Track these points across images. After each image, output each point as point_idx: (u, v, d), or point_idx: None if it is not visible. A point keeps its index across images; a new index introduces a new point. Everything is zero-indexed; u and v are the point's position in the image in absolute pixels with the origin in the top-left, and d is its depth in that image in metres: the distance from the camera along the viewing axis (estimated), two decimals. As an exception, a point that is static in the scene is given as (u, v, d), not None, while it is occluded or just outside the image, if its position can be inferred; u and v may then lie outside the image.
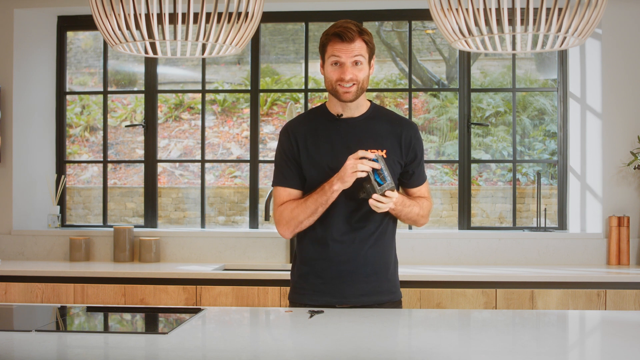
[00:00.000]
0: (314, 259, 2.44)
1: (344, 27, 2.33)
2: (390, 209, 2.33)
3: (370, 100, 2.52)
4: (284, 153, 2.47)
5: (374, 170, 2.26)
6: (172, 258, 4.13)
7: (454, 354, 1.79)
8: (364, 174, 2.27)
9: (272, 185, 2.53)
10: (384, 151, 2.39)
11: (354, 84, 2.35)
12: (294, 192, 2.46)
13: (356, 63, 2.35)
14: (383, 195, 2.27)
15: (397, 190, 2.52)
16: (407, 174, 2.49)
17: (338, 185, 2.30)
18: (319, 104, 2.55)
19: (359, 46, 2.34)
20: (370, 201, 2.29)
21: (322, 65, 2.43)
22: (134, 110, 4.97)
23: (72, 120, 4.88)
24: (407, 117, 4.46)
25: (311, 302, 2.43)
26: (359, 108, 2.45)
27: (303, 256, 2.48)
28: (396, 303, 2.50)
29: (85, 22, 4.45)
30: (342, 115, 2.44)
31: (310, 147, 2.43)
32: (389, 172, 2.28)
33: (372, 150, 2.35)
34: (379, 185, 2.26)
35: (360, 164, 2.26)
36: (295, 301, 2.49)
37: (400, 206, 2.38)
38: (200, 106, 4.55)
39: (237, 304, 3.53)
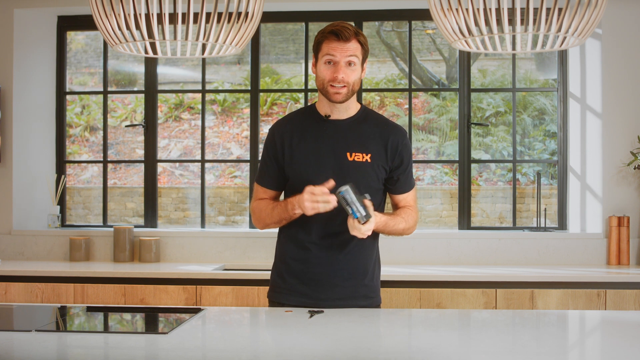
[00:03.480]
0: (292, 259, 2.44)
1: (341, 26, 2.34)
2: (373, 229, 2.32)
3: (361, 103, 2.51)
4: (267, 152, 2.50)
5: (347, 203, 2.22)
6: (172, 258, 4.13)
7: (454, 354, 1.79)
8: (327, 209, 2.25)
9: (255, 180, 2.56)
10: (350, 184, 2.27)
11: (344, 86, 2.34)
12: (270, 192, 2.51)
13: (350, 64, 2.34)
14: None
15: (384, 199, 2.51)
16: (392, 180, 2.46)
17: (299, 210, 2.32)
18: (309, 104, 2.55)
19: (354, 47, 2.33)
20: (349, 225, 2.27)
21: (315, 64, 2.42)
22: (134, 110, 4.97)
23: (72, 120, 4.88)
24: (406, 117, 4.46)
25: (287, 302, 2.43)
26: (347, 110, 2.44)
27: (282, 255, 2.48)
28: (373, 308, 2.46)
29: (85, 22, 4.45)
30: (329, 116, 2.44)
31: (295, 146, 2.43)
32: (360, 203, 2.22)
33: (329, 187, 2.26)
34: (354, 218, 2.23)
35: (320, 205, 2.24)
36: (272, 299, 2.50)
37: (383, 227, 2.38)
38: (200, 106, 4.55)
39: (237, 304, 3.52)
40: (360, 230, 2.24)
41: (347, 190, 2.21)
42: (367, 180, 2.38)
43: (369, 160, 2.39)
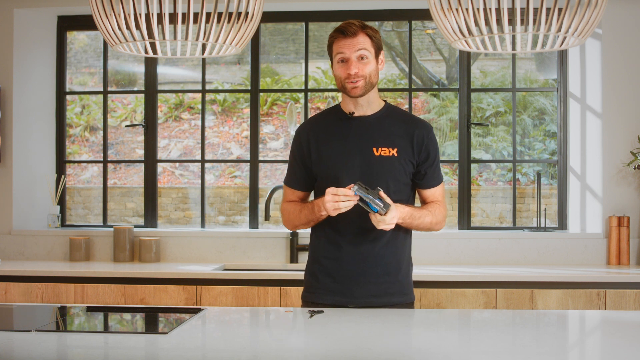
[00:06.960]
0: (325, 257, 2.45)
1: (346, 23, 2.38)
2: (399, 223, 2.35)
3: (385, 100, 2.52)
4: (294, 154, 2.54)
5: (363, 200, 2.24)
6: (172, 258, 4.13)
7: (454, 354, 1.80)
8: (348, 207, 2.26)
9: (283, 182, 2.60)
10: (356, 184, 2.29)
11: (360, 79, 2.36)
12: (299, 193, 2.55)
13: (362, 58, 2.36)
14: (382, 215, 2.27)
15: (412, 194, 2.52)
16: (420, 175, 2.47)
17: (324, 212, 2.34)
18: (334, 104, 2.57)
19: (362, 40, 2.36)
20: (373, 221, 2.29)
21: (332, 66, 2.46)
22: (134, 110, 4.98)
23: (72, 120, 4.89)
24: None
25: (322, 302, 2.43)
26: (370, 106, 2.46)
27: (315, 255, 2.50)
28: (408, 305, 2.48)
29: (85, 22, 4.45)
30: (353, 113, 2.45)
31: (321, 145, 2.46)
32: (374, 196, 2.24)
33: (349, 187, 2.28)
34: (374, 212, 2.25)
35: (341, 203, 2.25)
36: (306, 300, 2.50)
37: (410, 219, 2.38)
38: (200, 106, 4.55)
39: (237, 304, 3.53)
40: (384, 221, 2.25)
41: (357, 190, 2.23)
42: (395, 174, 2.40)
43: (395, 154, 2.41)
